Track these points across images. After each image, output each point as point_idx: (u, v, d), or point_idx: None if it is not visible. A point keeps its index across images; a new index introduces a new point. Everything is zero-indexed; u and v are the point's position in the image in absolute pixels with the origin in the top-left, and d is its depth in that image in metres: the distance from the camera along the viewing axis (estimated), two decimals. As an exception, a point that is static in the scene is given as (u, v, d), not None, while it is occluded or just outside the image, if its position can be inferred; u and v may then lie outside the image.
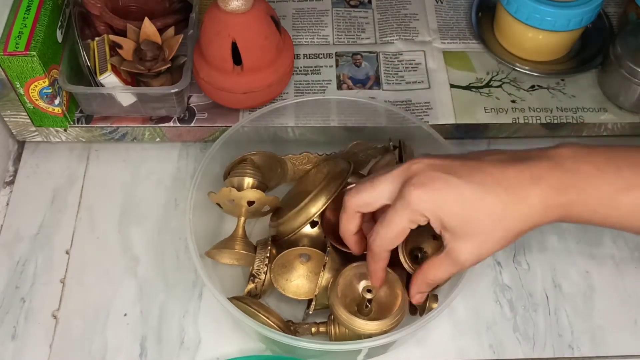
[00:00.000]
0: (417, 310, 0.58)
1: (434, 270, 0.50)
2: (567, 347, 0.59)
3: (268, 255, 0.57)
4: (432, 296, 0.56)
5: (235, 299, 0.55)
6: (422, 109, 0.69)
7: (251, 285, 0.57)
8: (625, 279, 0.63)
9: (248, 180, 0.60)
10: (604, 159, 0.45)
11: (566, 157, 0.46)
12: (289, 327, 0.56)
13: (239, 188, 0.59)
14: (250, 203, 0.58)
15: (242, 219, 0.60)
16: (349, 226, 0.52)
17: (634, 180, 0.44)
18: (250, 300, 0.56)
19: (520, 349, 0.59)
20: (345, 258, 0.57)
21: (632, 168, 0.45)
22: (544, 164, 0.46)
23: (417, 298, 0.53)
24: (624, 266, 0.63)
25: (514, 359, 0.58)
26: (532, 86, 0.72)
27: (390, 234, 0.49)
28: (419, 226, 0.53)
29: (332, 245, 0.57)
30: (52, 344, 0.59)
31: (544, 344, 0.59)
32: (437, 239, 0.58)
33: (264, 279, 0.57)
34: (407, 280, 0.56)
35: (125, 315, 0.60)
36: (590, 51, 0.74)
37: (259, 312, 0.54)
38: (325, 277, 0.55)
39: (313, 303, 0.56)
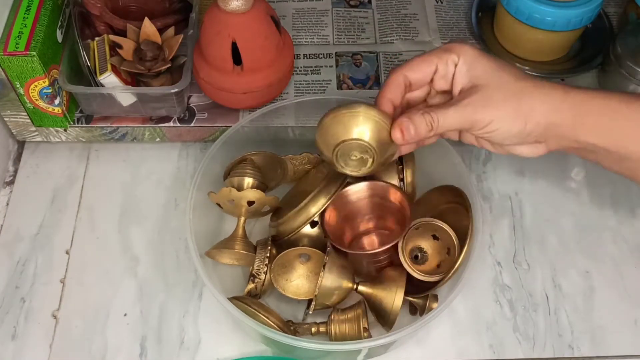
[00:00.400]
0: (417, 310, 0.58)
1: (444, 115, 0.50)
2: (567, 347, 0.59)
3: (268, 255, 0.57)
4: (432, 296, 0.56)
5: (235, 299, 0.55)
6: (422, 109, 0.69)
7: (251, 285, 0.57)
8: (625, 279, 0.63)
9: (248, 180, 0.60)
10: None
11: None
12: (289, 327, 0.56)
13: (239, 188, 0.59)
14: (250, 203, 0.58)
15: (242, 219, 0.60)
16: (387, 92, 0.52)
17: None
18: (250, 300, 0.56)
19: (520, 349, 0.59)
20: (345, 258, 0.57)
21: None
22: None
23: (403, 127, 0.51)
24: (624, 266, 0.63)
25: (514, 359, 0.58)
26: (532, 86, 0.72)
27: (416, 60, 0.52)
28: (419, 227, 0.54)
29: (332, 245, 0.57)
30: (52, 344, 0.59)
31: (544, 344, 0.59)
32: (437, 239, 0.58)
33: (264, 279, 0.57)
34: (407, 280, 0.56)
35: (125, 315, 0.60)
36: (590, 51, 0.74)
37: (259, 312, 0.54)
38: (325, 277, 0.55)
39: (313, 303, 0.56)
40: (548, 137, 0.51)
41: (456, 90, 0.52)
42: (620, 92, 0.50)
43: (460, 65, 0.51)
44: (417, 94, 0.55)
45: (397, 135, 0.51)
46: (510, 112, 0.50)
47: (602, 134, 0.49)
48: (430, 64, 0.52)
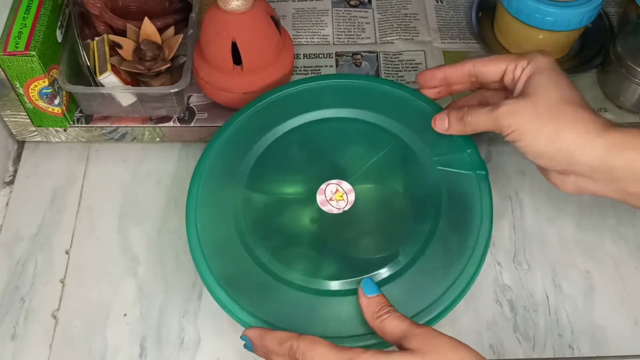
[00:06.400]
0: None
1: (476, 115, 0.54)
2: (567, 347, 0.59)
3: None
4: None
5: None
6: (422, 109, 0.69)
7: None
8: (625, 279, 0.63)
9: None
10: None
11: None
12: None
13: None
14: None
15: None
16: (449, 69, 0.59)
17: None
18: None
19: (520, 349, 0.59)
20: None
21: None
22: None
23: (438, 119, 0.56)
24: (624, 266, 0.63)
25: (514, 359, 0.58)
26: (532, 86, 0.72)
27: (489, 57, 0.56)
28: None
29: None
30: (52, 344, 0.59)
31: (544, 344, 0.59)
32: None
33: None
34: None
35: (125, 315, 0.60)
36: (590, 51, 0.74)
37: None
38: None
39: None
40: (574, 170, 0.51)
41: (515, 94, 0.53)
42: None
43: (526, 71, 0.53)
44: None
45: (433, 124, 0.57)
46: (534, 128, 0.50)
47: (635, 173, 0.49)
48: (500, 63, 0.55)
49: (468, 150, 0.57)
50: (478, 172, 0.56)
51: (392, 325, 0.48)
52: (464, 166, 0.57)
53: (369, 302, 0.50)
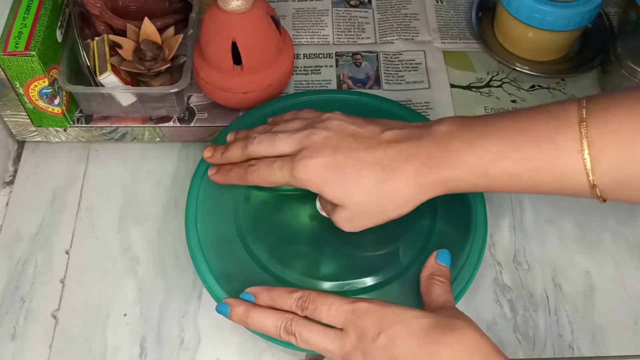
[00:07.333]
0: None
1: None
2: (567, 347, 0.59)
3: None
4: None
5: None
6: (422, 109, 0.70)
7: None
8: (625, 279, 0.63)
9: None
10: (476, 134, 0.48)
11: (442, 134, 0.49)
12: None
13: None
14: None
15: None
16: (234, 155, 0.56)
17: (500, 152, 0.47)
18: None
19: (520, 349, 0.59)
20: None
21: (500, 140, 0.47)
22: (423, 143, 0.49)
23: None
24: (624, 266, 0.63)
25: (513, 359, 0.58)
26: (532, 86, 0.72)
27: (269, 179, 0.53)
28: None
29: None
30: (52, 344, 0.59)
31: (544, 344, 0.59)
32: None
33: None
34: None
35: (125, 315, 0.60)
36: (590, 51, 0.74)
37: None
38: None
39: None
40: None
41: None
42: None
43: (313, 190, 0.52)
44: None
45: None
46: (373, 219, 0.52)
47: (469, 189, 0.50)
48: (281, 184, 0.54)
49: None
50: None
51: (440, 291, 0.50)
52: None
53: (438, 266, 0.52)
